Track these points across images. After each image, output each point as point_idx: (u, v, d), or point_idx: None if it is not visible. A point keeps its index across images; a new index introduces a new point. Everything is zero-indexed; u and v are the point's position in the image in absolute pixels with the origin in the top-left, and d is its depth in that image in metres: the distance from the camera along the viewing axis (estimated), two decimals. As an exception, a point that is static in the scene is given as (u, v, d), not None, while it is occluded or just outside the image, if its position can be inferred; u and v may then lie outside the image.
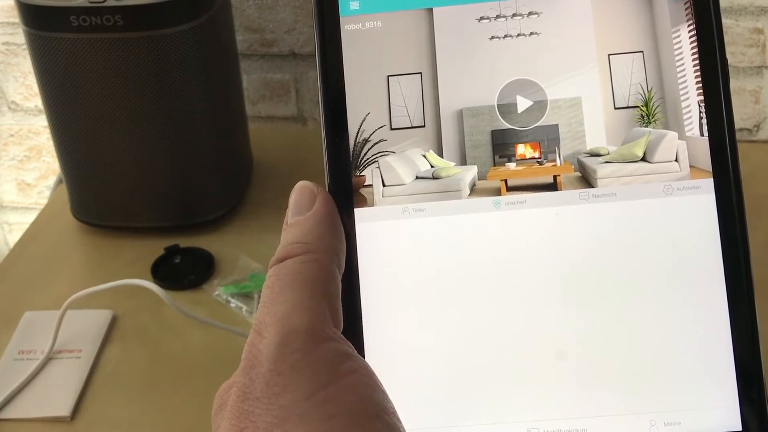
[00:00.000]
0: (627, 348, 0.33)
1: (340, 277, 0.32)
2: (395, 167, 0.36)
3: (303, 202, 0.35)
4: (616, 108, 0.35)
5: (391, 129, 0.36)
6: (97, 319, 0.74)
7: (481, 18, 0.36)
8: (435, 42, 0.36)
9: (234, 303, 0.76)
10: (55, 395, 0.67)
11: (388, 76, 0.36)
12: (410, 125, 0.36)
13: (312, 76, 1.03)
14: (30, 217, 0.93)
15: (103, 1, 0.72)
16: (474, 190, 0.35)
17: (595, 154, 0.35)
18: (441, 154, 0.36)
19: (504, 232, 0.34)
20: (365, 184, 0.35)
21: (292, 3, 0.98)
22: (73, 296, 0.70)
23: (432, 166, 0.36)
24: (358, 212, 0.35)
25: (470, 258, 0.34)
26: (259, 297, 0.75)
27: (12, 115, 1.12)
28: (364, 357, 0.33)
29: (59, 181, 0.97)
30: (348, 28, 0.36)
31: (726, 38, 1.06)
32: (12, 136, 1.14)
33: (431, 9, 0.36)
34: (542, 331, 0.34)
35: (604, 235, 0.34)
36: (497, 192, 0.35)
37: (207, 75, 0.79)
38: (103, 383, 0.69)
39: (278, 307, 0.30)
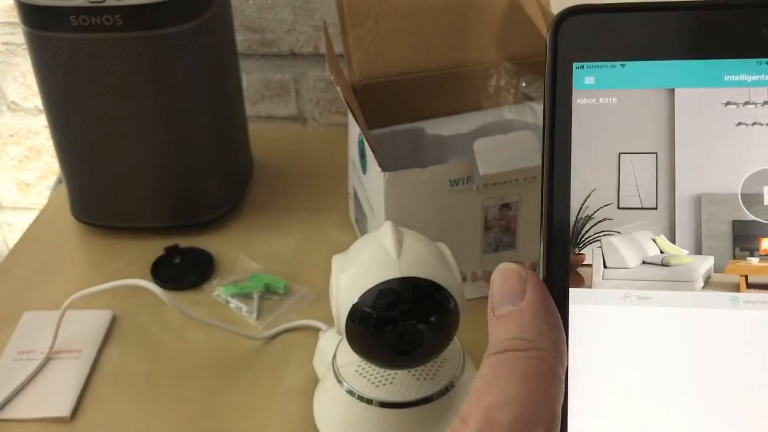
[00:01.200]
0: None
1: (563, 379, 0.30)
2: (620, 249, 0.34)
3: (513, 290, 0.32)
4: None
5: (619, 208, 0.34)
6: (96, 320, 0.74)
7: (728, 103, 0.34)
8: (675, 123, 0.34)
9: (234, 303, 0.76)
10: (54, 395, 0.67)
11: (620, 153, 0.34)
12: (640, 206, 0.34)
13: (311, 76, 1.03)
14: (30, 217, 0.93)
15: (103, 1, 0.72)
16: (708, 283, 0.33)
17: None
18: (673, 240, 0.33)
19: (741, 334, 0.31)
20: (584, 263, 0.33)
21: (292, 3, 0.98)
22: (73, 296, 0.70)
23: (662, 252, 0.33)
24: (574, 292, 0.33)
25: (698, 358, 0.31)
26: (260, 297, 0.75)
27: (12, 115, 1.12)
28: None
29: (59, 181, 0.97)
30: (580, 102, 0.34)
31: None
32: (12, 136, 1.14)
33: (673, 90, 0.34)
34: None
35: None
36: (735, 288, 0.32)
37: (207, 75, 0.79)
38: (103, 383, 0.69)
39: (489, 396, 0.28)
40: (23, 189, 1.18)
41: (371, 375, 0.58)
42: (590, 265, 0.33)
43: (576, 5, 0.35)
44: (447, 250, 0.57)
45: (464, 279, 0.73)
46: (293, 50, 1.01)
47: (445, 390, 0.58)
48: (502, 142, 0.67)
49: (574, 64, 0.34)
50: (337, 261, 0.57)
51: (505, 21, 0.82)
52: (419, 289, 0.53)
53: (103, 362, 0.71)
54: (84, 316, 0.74)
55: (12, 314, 0.75)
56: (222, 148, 0.84)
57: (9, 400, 0.66)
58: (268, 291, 0.76)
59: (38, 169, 1.16)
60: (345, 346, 0.56)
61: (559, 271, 0.33)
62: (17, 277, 0.81)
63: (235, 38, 0.87)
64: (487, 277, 0.74)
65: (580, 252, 0.33)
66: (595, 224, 0.33)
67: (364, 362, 0.57)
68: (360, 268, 0.54)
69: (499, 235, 0.71)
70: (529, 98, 0.82)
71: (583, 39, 0.35)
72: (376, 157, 0.67)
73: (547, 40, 0.35)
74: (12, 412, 0.66)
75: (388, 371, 0.58)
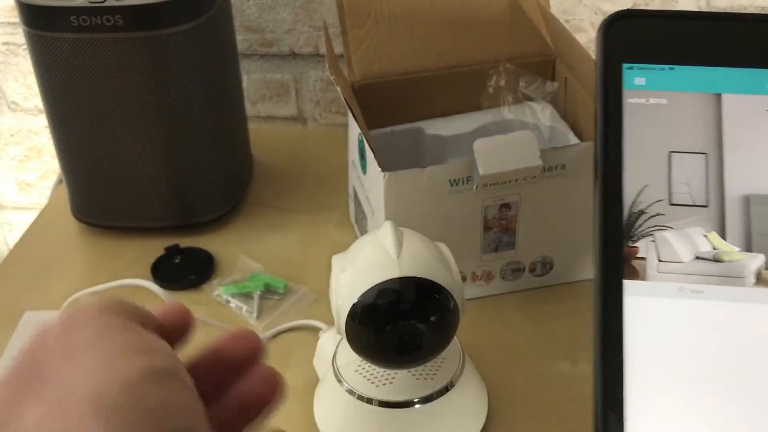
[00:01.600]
0: None
1: None
2: (673, 243, 0.34)
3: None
4: None
5: (670, 204, 0.35)
6: (97, 319, 0.74)
7: None
8: (722, 126, 0.36)
9: (234, 303, 0.76)
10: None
11: (671, 152, 0.35)
12: (692, 203, 0.35)
13: (311, 76, 1.03)
14: (30, 217, 0.93)
15: (103, 1, 0.72)
16: (760, 279, 0.34)
17: None
18: (724, 237, 0.35)
19: None
20: (637, 256, 0.34)
21: (292, 3, 0.98)
22: (74, 296, 0.70)
23: (714, 248, 0.34)
24: (628, 284, 0.34)
25: (749, 351, 0.32)
26: (260, 297, 0.76)
27: (12, 115, 1.12)
28: None
29: (59, 181, 0.97)
30: (631, 101, 0.36)
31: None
32: (12, 136, 1.14)
33: (719, 95, 0.36)
34: None
35: None
36: None
37: (207, 75, 0.79)
38: (103, 383, 0.69)
39: None
40: (24, 189, 1.18)
41: (371, 374, 0.58)
42: (644, 258, 0.34)
43: (626, 9, 0.36)
44: (447, 250, 0.57)
45: (464, 279, 0.73)
46: (293, 50, 1.01)
47: (445, 389, 0.58)
48: (502, 142, 0.67)
49: (624, 65, 0.36)
50: (337, 261, 0.57)
51: (505, 21, 0.82)
52: (419, 288, 0.53)
53: (103, 362, 0.71)
54: (84, 316, 0.74)
55: (12, 314, 0.75)
56: (222, 148, 0.84)
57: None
58: (268, 291, 0.77)
59: (38, 169, 1.16)
60: (345, 345, 0.56)
61: (614, 263, 0.34)
62: (17, 277, 0.81)
63: (235, 38, 0.87)
64: (486, 276, 0.74)
65: (634, 245, 0.34)
66: (648, 219, 0.34)
67: (364, 362, 0.58)
68: (360, 267, 0.54)
69: (499, 235, 0.71)
70: (529, 98, 0.82)
71: (632, 41, 0.36)
72: (376, 157, 0.68)
73: (597, 40, 0.36)
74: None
75: (388, 371, 0.58)
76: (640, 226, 0.34)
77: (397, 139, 0.82)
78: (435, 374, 0.58)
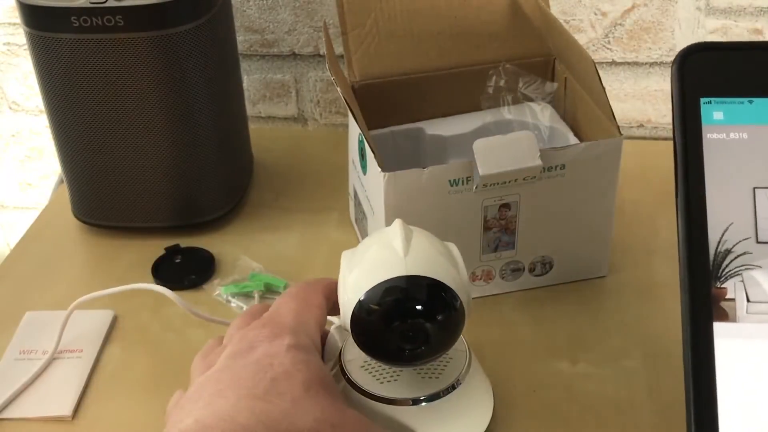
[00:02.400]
0: None
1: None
2: (762, 283, 0.33)
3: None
4: None
5: (757, 242, 0.34)
6: (97, 319, 0.75)
7: None
8: None
9: (235, 303, 0.76)
10: (56, 395, 0.67)
11: (755, 188, 0.34)
12: None
13: (312, 76, 1.03)
14: (31, 218, 0.93)
15: (104, 2, 0.72)
16: None
17: None
18: None
19: None
20: (726, 297, 0.33)
21: (293, 3, 0.98)
22: (80, 299, 0.70)
23: None
24: (718, 327, 0.32)
25: None
26: (260, 296, 0.76)
27: (13, 116, 1.12)
28: None
29: (60, 182, 0.97)
30: (711, 137, 0.35)
31: (725, 39, 1.06)
32: (13, 136, 1.14)
33: None
34: None
35: None
36: None
37: (207, 75, 0.79)
38: (104, 383, 0.69)
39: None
40: (24, 189, 1.19)
41: (377, 371, 0.58)
42: (733, 299, 0.33)
43: (701, 42, 0.35)
44: (456, 250, 0.57)
45: (464, 279, 0.73)
46: (293, 51, 1.01)
47: (451, 387, 0.58)
48: (501, 142, 0.67)
49: (702, 100, 0.35)
50: (345, 257, 0.58)
51: (505, 21, 0.83)
52: (425, 287, 0.53)
53: (104, 362, 0.71)
54: (85, 316, 0.75)
55: (13, 314, 0.75)
56: (223, 148, 0.84)
57: (11, 399, 0.66)
58: (268, 290, 0.77)
59: (39, 170, 1.17)
60: (352, 341, 0.57)
61: (702, 306, 0.32)
62: (18, 277, 0.82)
63: (235, 39, 0.87)
64: (486, 276, 0.74)
65: (722, 286, 0.33)
66: (735, 258, 0.33)
67: (370, 359, 0.58)
68: (367, 265, 0.55)
69: (499, 235, 0.71)
70: (528, 99, 0.82)
71: (709, 75, 0.35)
72: (376, 157, 0.68)
73: (673, 75, 0.35)
74: (13, 411, 0.66)
75: (394, 368, 0.58)
76: (727, 266, 0.33)
77: (397, 139, 0.82)
78: (441, 373, 0.58)
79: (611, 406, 0.64)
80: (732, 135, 0.34)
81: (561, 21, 0.82)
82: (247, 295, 0.76)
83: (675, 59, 0.35)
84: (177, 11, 0.74)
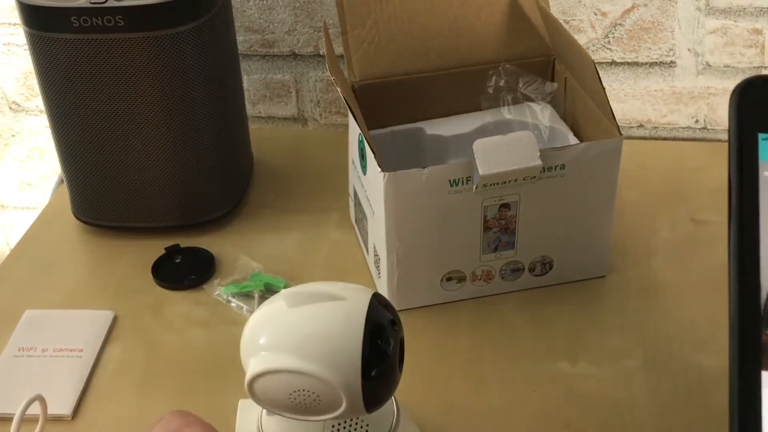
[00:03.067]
0: None
1: None
2: None
3: None
4: None
5: None
6: (98, 319, 0.75)
7: None
8: None
9: (234, 303, 0.76)
10: (56, 394, 0.67)
11: None
12: None
13: (312, 76, 1.03)
14: (31, 217, 0.93)
15: (104, 2, 0.72)
16: None
17: None
18: None
19: None
20: None
21: (292, 3, 0.98)
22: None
23: None
24: (767, 376, 0.31)
25: None
26: (260, 296, 0.76)
27: (13, 116, 1.12)
28: None
29: (60, 182, 0.97)
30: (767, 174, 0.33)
31: (725, 39, 1.06)
32: (13, 136, 1.14)
33: None
34: None
35: None
36: None
37: (207, 75, 0.79)
38: (104, 383, 0.69)
39: None
40: (25, 189, 1.19)
41: None
42: None
43: (758, 75, 0.33)
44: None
45: (463, 279, 0.73)
46: (293, 51, 1.01)
47: None
48: (501, 142, 0.67)
49: (760, 135, 0.33)
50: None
51: (504, 21, 0.83)
52: (391, 312, 0.52)
53: (104, 362, 0.71)
54: (85, 316, 0.75)
55: (13, 314, 0.75)
56: (223, 148, 0.84)
57: (11, 399, 0.66)
58: (268, 290, 0.77)
59: (40, 170, 1.17)
60: (270, 421, 0.54)
61: (752, 353, 0.31)
62: (18, 277, 0.82)
63: (235, 39, 0.87)
64: (486, 276, 0.74)
65: None
66: None
67: None
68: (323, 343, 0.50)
69: (499, 234, 0.71)
70: (528, 99, 0.82)
71: (767, 109, 0.33)
72: (376, 157, 0.68)
73: (730, 108, 0.33)
74: (13, 410, 0.66)
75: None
76: None
77: (397, 139, 0.82)
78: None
79: (611, 406, 0.64)
80: None
81: (561, 21, 0.82)
82: (247, 295, 0.76)
83: (733, 92, 0.34)
84: (177, 11, 0.74)
